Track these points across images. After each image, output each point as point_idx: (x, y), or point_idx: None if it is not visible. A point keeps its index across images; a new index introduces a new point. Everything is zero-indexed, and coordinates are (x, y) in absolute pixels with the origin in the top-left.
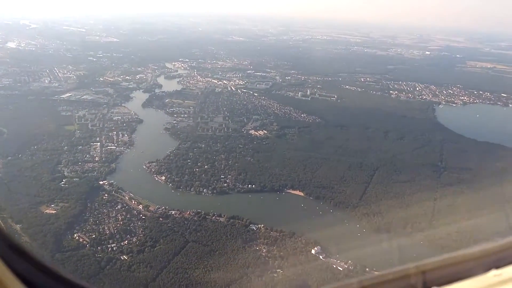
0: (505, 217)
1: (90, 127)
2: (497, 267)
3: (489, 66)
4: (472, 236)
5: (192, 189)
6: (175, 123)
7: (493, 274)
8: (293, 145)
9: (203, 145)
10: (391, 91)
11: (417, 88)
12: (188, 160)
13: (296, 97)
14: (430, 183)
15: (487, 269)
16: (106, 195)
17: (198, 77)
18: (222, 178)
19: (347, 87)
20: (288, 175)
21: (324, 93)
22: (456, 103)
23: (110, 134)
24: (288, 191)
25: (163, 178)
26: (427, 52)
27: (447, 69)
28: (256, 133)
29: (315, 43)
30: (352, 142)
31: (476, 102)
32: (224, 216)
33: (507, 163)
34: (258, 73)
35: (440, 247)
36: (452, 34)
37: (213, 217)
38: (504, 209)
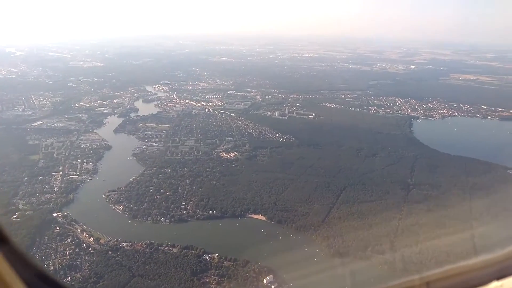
0: (470, 236)
1: (55, 156)
2: (498, 278)
3: (472, 78)
4: (433, 257)
5: (149, 218)
6: (144, 148)
7: (494, 286)
8: (263, 167)
9: (169, 170)
10: (370, 107)
11: (397, 103)
12: (151, 187)
13: (273, 116)
14: (397, 202)
15: (488, 280)
16: (58, 228)
17: (177, 99)
18: (183, 205)
19: (326, 104)
20: (252, 199)
21: (302, 112)
22: (434, 117)
23: (74, 162)
24: (250, 216)
25: (121, 207)
26: (411, 66)
27: (429, 82)
28: (226, 155)
29: (301, 60)
30: (323, 161)
31: (455, 115)
32: (177, 246)
33: (478, 178)
34: (238, 93)
35: (399, 270)
36: (439, 47)
37: (166, 248)
38: (470, 226)
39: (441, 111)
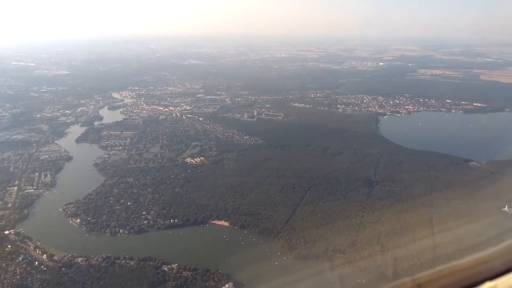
0: (430, 228)
1: (11, 170)
2: (491, 277)
3: (438, 73)
4: (393, 253)
5: (107, 231)
6: (106, 157)
7: (488, 286)
8: (228, 171)
9: (131, 179)
10: (338, 105)
11: (365, 100)
12: (111, 198)
13: (242, 119)
14: (361, 199)
15: (481, 280)
16: (9, 246)
17: (144, 105)
18: (144, 214)
19: (295, 104)
20: (216, 205)
21: (271, 113)
22: (401, 113)
23: (31, 176)
24: (213, 222)
25: (78, 221)
26: (380, 63)
27: (397, 79)
28: (192, 161)
29: (272, 61)
30: (290, 162)
31: (421, 111)
32: (135, 258)
33: (439, 171)
34: (208, 97)
35: (360, 268)
36: (409, 43)
37: (123, 261)
38: (430, 219)
39: (407, 107)
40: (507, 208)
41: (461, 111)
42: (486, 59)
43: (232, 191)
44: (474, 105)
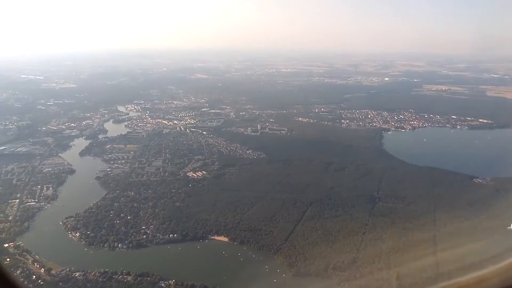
0: (432, 247)
1: (14, 183)
2: None
3: (444, 89)
4: (395, 271)
5: (105, 245)
6: (109, 170)
7: None
8: (230, 185)
9: (132, 193)
10: (342, 120)
11: (369, 116)
12: (111, 212)
13: (245, 133)
14: (363, 216)
15: None
16: (8, 259)
17: (149, 118)
18: (143, 229)
19: (299, 119)
20: (216, 220)
21: (275, 127)
22: (405, 128)
23: (34, 188)
24: (212, 237)
25: (78, 234)
26: (386, 79)
27: (402, 94)
28: (194, 174)
29: (278, 76)
30: (292, 177)
31: (426, 126)
32: (132, 274)
33: (443, 188)
34: (212, 111)
35: (360, 287)
36: (415, 59)
37: (120, 276)
38: (433, 238)
39: (412, 122)
40: None
41: (467, 127)
42: (492, 75)
43: (232, 205)
44: (480, 121)
